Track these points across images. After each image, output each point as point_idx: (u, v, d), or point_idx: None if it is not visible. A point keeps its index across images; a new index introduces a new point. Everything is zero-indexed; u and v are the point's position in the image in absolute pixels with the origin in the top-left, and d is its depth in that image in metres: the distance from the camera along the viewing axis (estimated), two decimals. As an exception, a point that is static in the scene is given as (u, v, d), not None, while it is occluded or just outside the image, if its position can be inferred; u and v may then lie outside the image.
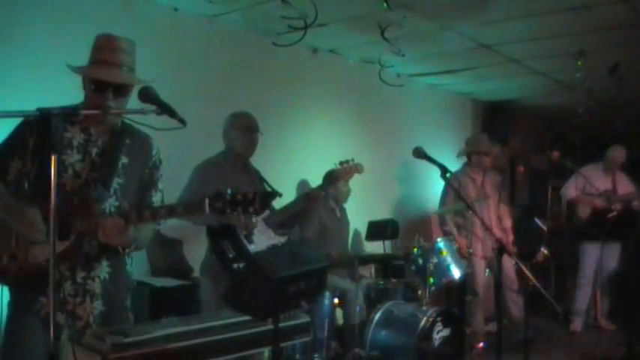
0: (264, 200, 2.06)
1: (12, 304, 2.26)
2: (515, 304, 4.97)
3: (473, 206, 3.50)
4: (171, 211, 2.16)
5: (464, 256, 4.86)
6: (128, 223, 2.11)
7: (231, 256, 3.30)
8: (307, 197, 3.60)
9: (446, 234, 5.00)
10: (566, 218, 5.78)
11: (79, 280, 2.23)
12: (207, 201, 2.01)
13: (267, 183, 3.62)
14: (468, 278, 4.92)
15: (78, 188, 2.20)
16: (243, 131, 3.52)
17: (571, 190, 5.63)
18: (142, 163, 2.39)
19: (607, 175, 5.65)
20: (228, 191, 1.99)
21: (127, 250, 2.31)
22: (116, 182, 2.28)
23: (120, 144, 2.31)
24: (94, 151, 2.27)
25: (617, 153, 5.65)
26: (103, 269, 2.29)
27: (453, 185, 4.87)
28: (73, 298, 2.22)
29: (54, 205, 1.73)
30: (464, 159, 5.53)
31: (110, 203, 2.25)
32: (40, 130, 2.13)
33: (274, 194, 3.34)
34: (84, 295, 2.25)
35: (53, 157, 1.74)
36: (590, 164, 5.76)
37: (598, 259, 5.51)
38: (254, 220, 3.31)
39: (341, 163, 3.56)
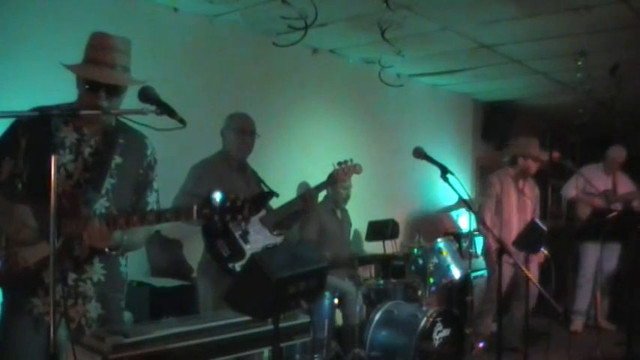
0: (259, 201, 2.05)
1: (4, 305, 2.25)
2: (519, 310, 4.93)
3: (474, 207, 3.49)
4: (159, 216, 2.13)
5: (493, 259, 4.75)
6: (115, 227, 2.09)
7: (226, 255, 3.30)
8: (303, 198, 3.60)
9: (482, 231, 4.87)
10: (567, 218, 5.78)
11: (70, 282, 2.21)
12: (195, 208, 2.00)
13: (264, 183, 3.61)
14: (490, 282, 4.83)
15: (69, 189, 2.18)
16: (236, 133, 3.51)
17: (571, 189, 5.62)
18: (137, 164, 2.37)
19: (607, 175, 5.65)
20: (217, 198, 1.97)
21: (113, 253, 2.28)
22: (108, 182, 2.26)
23: (113, 144, 2.29)
24: (87, 150, 2.24)
25: (618, 153, 5.65)
26: (97, 271, 2.28)
27: (494, 184, 4.89)
28: (65, 301, 2.20)
29: (53, 205, 1.72)
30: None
31: (101, 204, 2.23)
32: (33, 129, 2.11)
33: (270, 194, 3.34)
34: (76, 298, 2.23)
35: (53, 158, 1.73)
36: (590, 164, 5.75)
37: (598, 259, 5.50)
38: (243, 226, 3.30)
39: (339, 164, 3.55)
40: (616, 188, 5.60)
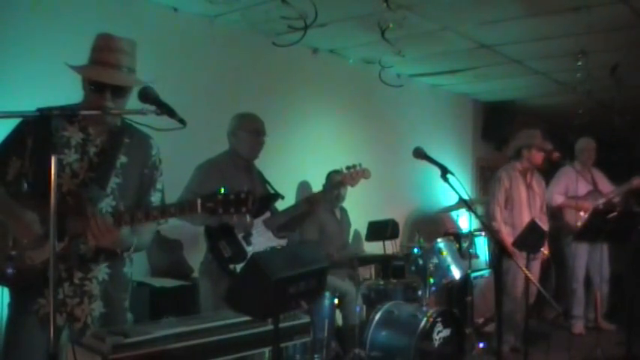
0: (264, 203, 2.06)
1: (11, 305, 2.26)
2: (522, 312, 4.92)
3: (471, 207, 3.47)
4: (163, 211, 2.15)
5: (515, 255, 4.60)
6: (121, 224, 2.10)
7: (227, 256, 3.30)
8: (309, 201, 3.59)
9: (492, 231, 4.78)
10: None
11: (76, 281, 2.23)
12: (199, 201, 2.01)
13: (270, 185, 3.60)
14: (507, 284, 4.76)
15: (74, 188, 2.19)
16: (252, 134, 3.50)
17: (557, 196, 5.53)
18: (141, 163, 2.38)
19: (586, 174, 5.62)
20: (221, 191, 1.99)
21: (125, 254, 2.29)
22: (114, 182, 2.27)
23: (118, 143, 2.31)
24: (92, 150, 2.26)
25: (587, 144, 5.65)
26: (102, 270, 2.29)
27: (503, 179, 4.85)
28: (71, 299, 2.21)
29: (53, 206, 1.72)
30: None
31: (107, 203, 2.25)
32: (39, 129, 2.12)
33: (276, 196, 3.32)
34: (82, 296, 2.24)
35: (53, 158, 1.73)
36: (565, 166, 5.67)
37: (587, 261, 5.52)
38: (248, 219, 3.29)
39: (347, 168, 3.53)
40: (597, 187, 5.60)
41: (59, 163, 2.16)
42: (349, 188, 4.86)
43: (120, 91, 2.20)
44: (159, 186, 2.45)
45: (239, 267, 3.24)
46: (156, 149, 2.44)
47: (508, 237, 4.65)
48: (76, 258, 2.21)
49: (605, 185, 5.65)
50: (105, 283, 2.30)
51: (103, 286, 2.30)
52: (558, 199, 5.53)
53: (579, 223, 5.27)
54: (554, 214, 5.65)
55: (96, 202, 2.20)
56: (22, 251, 2.15)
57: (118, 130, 2.33)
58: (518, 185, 4.87)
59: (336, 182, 3.58)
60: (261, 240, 3.39)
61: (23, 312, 2.20)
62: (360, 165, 3.53)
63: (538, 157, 4.89)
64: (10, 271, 2.16)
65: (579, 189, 5.51)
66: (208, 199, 2.00)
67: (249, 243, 3.34)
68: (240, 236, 3.34)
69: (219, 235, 3.32)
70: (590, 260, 5.56)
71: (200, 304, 3.51)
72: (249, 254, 3.27)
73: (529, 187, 4.92)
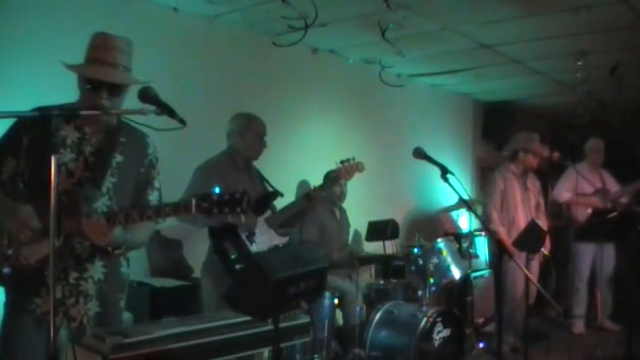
0: (264, 201, 2.06)
1: (7, 305, 2.25)
2: (522, 313, 4.92)
3: (471, 207, 3.47)
4: (158, 211, 2.13)
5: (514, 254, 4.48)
6: (115, 223, 2.09)
7: (233, 257, 3.29)
8: (308, 197, 3.59)
9: (491, 232, 4.77)
10: (566, 219, 5.76)
11: (71, 280, 2.22)
12: (194, 201, 2.01)
13: (269, 183, 3.61)
14: (506, 284, 4.76)
15: (70, 187, 2.18)
16: (260, 137, 3.54)
17: (564, 193, 5.53)
18: (138, 162, 2.37)
19: (594, 174, 5.62)
20: (216, 191, 1.98)
21: (117, 251, 2.27)
22: (109, 181, 2.27)
23: (114, 143, 2.30)
24: (88, 149, 2.25)
25: (596, 143, 5.65)
26: (97, 270, 2.28)
27: (498, 181, 4.86)
28: (67, 299, 2.20)
29: (53, 205, 1.72)
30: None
31: (103, 202, 2.24)
32: (35, 129, 2.12)
33: (276, 194, 3.33)
34: (77, 296, 2.24)
35: (53, 158, 1.73)
36: (574, 166, 5.66)
37: (593, 261, 5.51)
38: (243, 220, 3.29)
39: (342, 162, 3.55)
40: (605, 186, 5.60)
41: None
42: (349, 189, 4.88)
43: (116, 90, 2.20)
44: (156, 185, 2.44)
45: (245, 267, 3.24)
46: (152, 148, 2.43)
47: (504, 238, 4.65)
48: (71, 257, 2.20)
49: (613, 185, 5.65)
50: (100, 283, 2.29)
51: (99, 286, 2.29)
52: (565, 195, 5.54)
53: None
54: (558, 212, 5.65)
55: (91, 201, 2.19)
56: (18, 249, 2.15)
57: (114, 129, 2.32)
58: (513, 186, 4.87)
59: (332, 177, 3.58)
60: (264, 239, 3.39)
61: (19, 311, 2.20)
62: (353, 158, 3.54)
63: (533, 162, 4.90)
64: (5, 270, 2.16)
65: (586, 188, 5.51)
66: (203, 199, 2.00)
67: (252, 242, 3.34)
68: (243, 236, 3.34)
69: (224, 236, 3.31)
70: (595, 259, 5.55)
71: (202, 304, 3.51)
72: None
73: (524, 187, 4.92)
